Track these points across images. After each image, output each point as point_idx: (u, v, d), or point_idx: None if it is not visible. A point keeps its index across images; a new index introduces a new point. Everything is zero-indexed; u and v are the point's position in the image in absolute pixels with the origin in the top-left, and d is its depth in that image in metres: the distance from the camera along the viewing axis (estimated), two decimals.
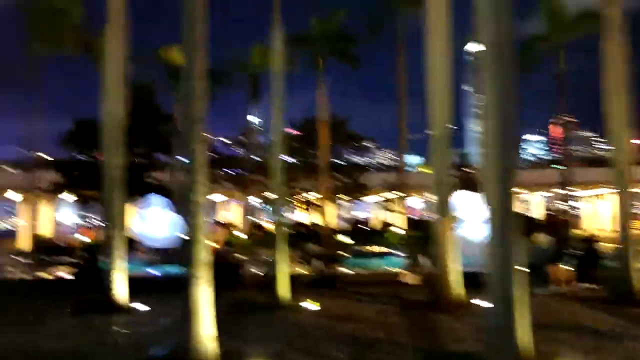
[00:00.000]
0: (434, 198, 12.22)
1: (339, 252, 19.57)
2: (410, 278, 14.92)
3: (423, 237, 16.17)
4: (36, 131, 23.50)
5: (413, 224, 23.01)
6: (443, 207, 11.90)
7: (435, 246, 11.96)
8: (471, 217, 15.20)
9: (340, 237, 24.27)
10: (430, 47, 11.77)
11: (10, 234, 45.71)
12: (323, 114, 24.82)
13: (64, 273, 18.47)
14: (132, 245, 24.60)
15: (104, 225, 23.84)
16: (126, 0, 12.05)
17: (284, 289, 12.09)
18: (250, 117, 33.56)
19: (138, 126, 25.70)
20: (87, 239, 36.83)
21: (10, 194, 38.01)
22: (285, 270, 12.29)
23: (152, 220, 17.88)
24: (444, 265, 11.61)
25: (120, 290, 11.50)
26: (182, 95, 7.44)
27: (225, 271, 13.88)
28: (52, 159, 34.27)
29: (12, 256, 15.50)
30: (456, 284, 11.52)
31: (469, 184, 20.73)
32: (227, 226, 26.29)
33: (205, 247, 7.13)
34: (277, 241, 12.39)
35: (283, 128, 12.88)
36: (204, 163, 7.24)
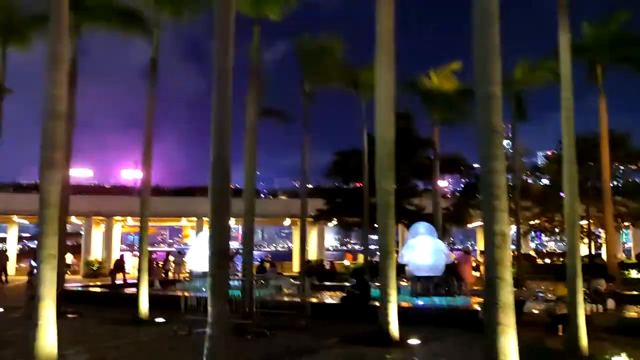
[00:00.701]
0: None
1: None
2: None
3: None
4: (306, 163, 24.97)
5: None
6: None
7: None
8: None
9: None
10: None
11: (285, 257, 50.70)
12: (603, 129, 21.54)
13: (331, 298, 18.99)
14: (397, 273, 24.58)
15: (366, 250, 23.94)
16: (394, 27, 11.65)
17: (580, 334, 10.02)
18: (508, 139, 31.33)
19: (397, 153, 25.89)
20: (348, 263, 38.56)
21: (286, 221, 42.07)
22: (581, 310, 10.22)
23: (416, 248, 17.22)
24: None
25: (391, 322, 10.86)
26: (478, 105, 6.39)
27: None
28: (318, 187, 36.79)
29: (291, 280, 16.23)
30: None
31: None
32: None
33: (511, 288, 5.90)
34: (570, 274, 10.31)
35: (573, 144, 10.84)
36: (504, 184, 6.08)
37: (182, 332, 12.12)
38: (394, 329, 10.84)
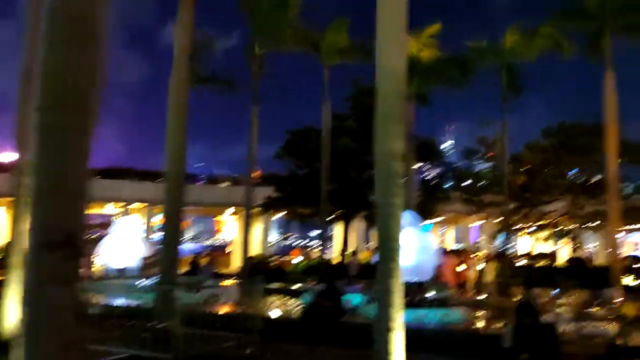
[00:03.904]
0: None
1: None
2: None
3: None
4: (253, 141, 20.83)
5: None
6: None
7: None
8: None
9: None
10: None
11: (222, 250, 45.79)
12: (609, 114, 18.10)
13: (282, 307, 14.74)
14: (346, 272, 20.67)
15: (324, 246, 19.52)
16: None
17: None
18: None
19: (362, 134, 22.21)
20: (297, 260, 34.31)
21: (229, 211, 37.32)
22: None
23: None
24: None
25: (395, 353, 6.81)
26: None
27: (541, 334, 8.53)
28: (265, 175, 32.49)
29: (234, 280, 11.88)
30: None
31: None
32: (465, 255, 20.90)
33: None
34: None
35: None
36: None
37: None
38: None
